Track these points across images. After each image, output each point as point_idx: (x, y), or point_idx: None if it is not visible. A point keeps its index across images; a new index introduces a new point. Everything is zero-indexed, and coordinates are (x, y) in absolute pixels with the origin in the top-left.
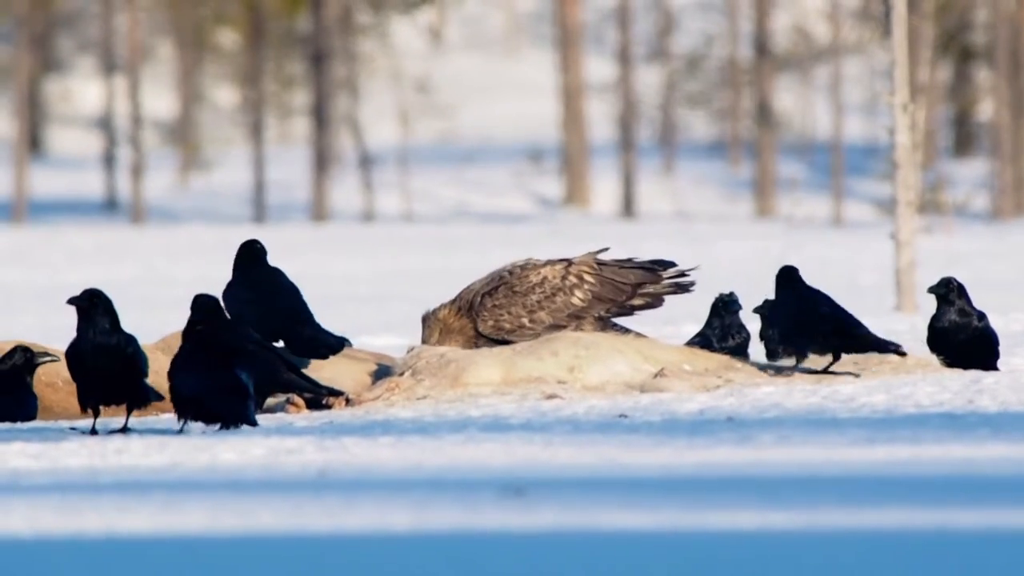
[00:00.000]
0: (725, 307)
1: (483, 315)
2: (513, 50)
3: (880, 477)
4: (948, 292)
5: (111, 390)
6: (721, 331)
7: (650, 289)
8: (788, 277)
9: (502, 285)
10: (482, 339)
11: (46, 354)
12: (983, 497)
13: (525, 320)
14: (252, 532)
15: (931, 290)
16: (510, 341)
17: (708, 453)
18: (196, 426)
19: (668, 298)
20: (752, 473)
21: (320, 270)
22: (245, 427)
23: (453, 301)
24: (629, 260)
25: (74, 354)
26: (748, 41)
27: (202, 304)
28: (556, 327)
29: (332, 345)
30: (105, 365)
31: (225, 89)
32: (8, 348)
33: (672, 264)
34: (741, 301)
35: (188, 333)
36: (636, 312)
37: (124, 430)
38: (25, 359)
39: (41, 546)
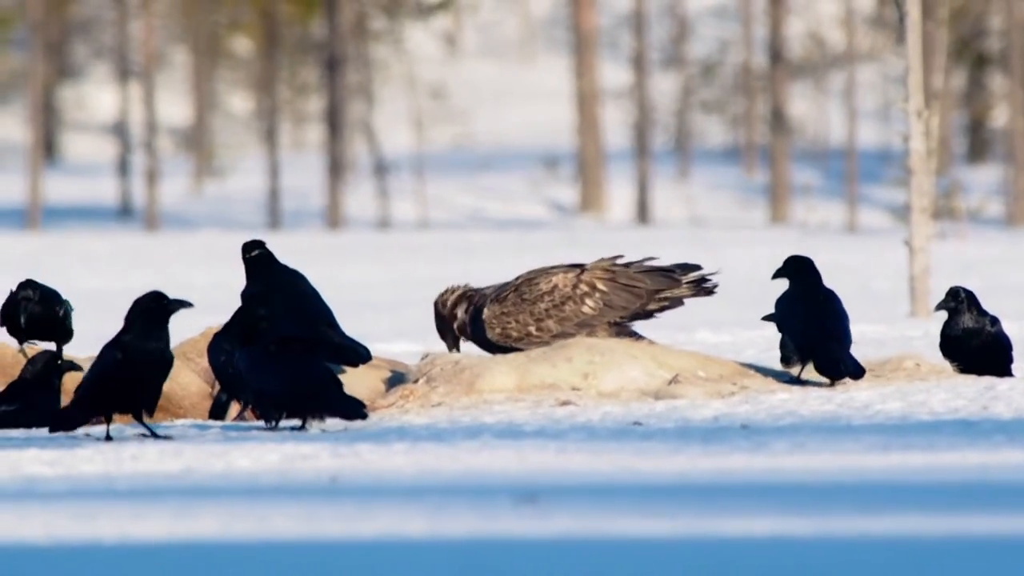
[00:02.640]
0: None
1: (491, 323)
2: (528, 56)
3: (895, 484)
4: (957, 304)
5: (137, 398)
6: None
7: (668, 294)
8: (799, 269)
9: (512, 292)
10: (488, 344)
11: (72, 364)
12: (998, 503)
13: (532, 328)
14: (266, 538)
15: (938, 308)
16: (517, 348)
17: (723, 460)
18: (210, 432)
19: (687, 303)
20: (767, 480)
21: (335, 277)
22: (255, 432)
23: (464, 294)
24: (651, 260)
25: (128, 361)
26: (763, 48)
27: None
28: (564, 335)
29: (361, 354)
30: (153, 374)
31: (239, 95)
32: (28, 354)
33: (696, 267)
34: (754, 307)
35: (251, 334)
36: (655, 316)
37: (152, 435)
38: (45, 365)
39: (56, 552)
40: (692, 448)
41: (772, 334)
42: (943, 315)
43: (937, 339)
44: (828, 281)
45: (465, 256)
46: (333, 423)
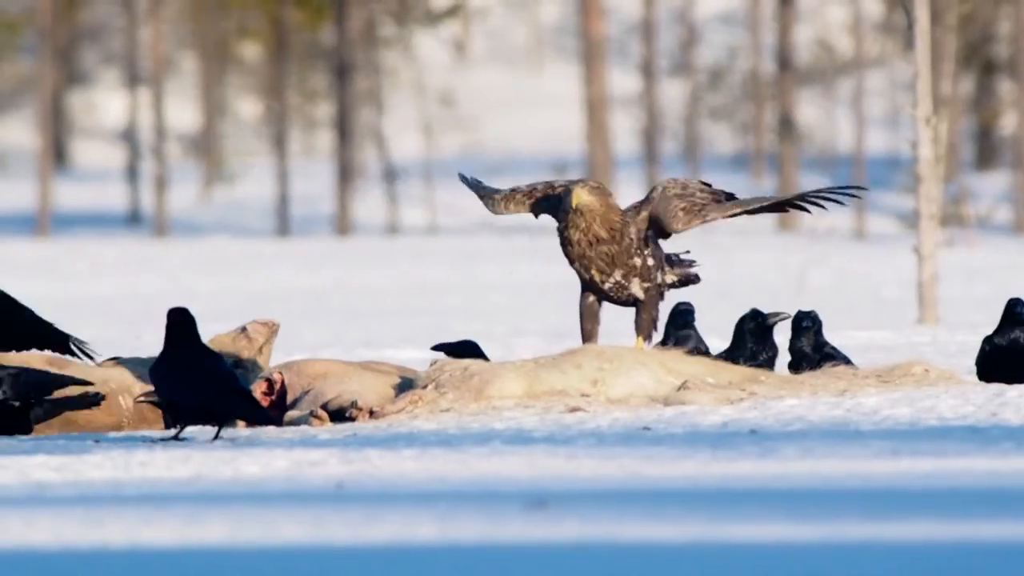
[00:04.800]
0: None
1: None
2: (537, 63)
3: (903, 490)
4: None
5: None
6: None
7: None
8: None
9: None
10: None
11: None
12: (1007, 510)
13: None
14: (275, 544)
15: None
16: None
17: (731, 466)
18: (218, 438)
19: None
20: (775, 486)
21: (344, 283)
22: (263, 438)
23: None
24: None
25: None
26: (771, 54)
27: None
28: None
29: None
30: None
31: (249, 101)
32: (33, 360)
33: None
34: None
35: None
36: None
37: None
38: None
39: (65, 558)
40: (701, 454)
41: (782, 340)
42: (952, 323)
43: (945, 346)
44: (836, 288)
45: (474, 262)
46: (341, 427)
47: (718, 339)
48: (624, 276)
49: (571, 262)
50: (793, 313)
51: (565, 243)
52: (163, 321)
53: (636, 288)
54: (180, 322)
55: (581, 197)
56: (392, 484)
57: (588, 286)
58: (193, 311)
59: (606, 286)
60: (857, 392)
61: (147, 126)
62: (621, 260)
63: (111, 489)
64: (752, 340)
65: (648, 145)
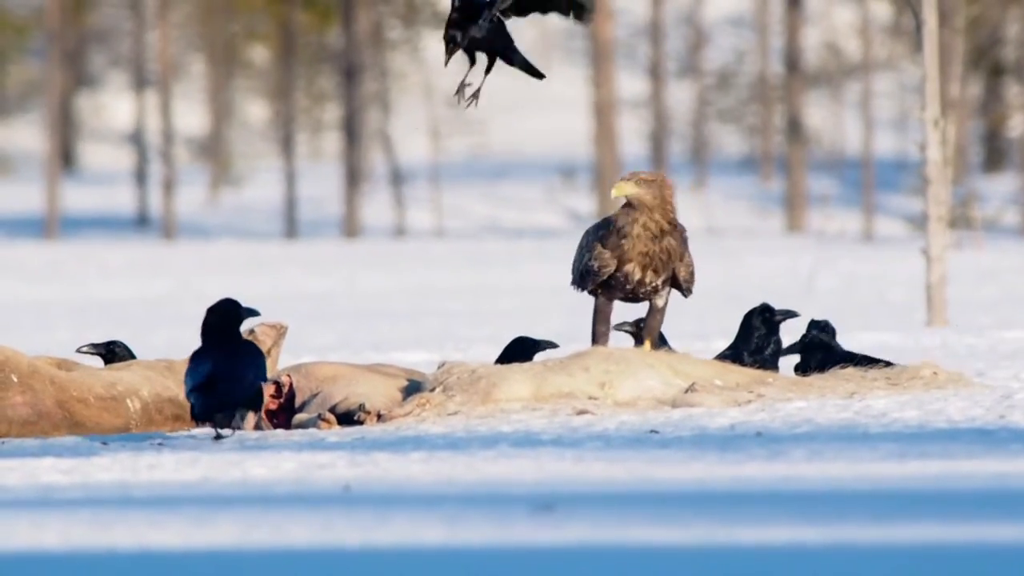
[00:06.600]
0: (822, 331)
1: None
2: (545, 66)
3: (911, 492)
4: None
5: None
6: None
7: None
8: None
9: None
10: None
11: None
12: (1015, 512)
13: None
14: (283, 547)
15: None
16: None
17: (739, 468)
18: (226, 440)
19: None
20: (783, 488)
21: (351, 286)
22: (272, 441)
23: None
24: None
25: None
26: (779, 57)
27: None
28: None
29: None
30: None
31: (256, 104)
32: (41, 363)
33: None
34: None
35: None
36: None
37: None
38: None
39: (73, 561)
40: (709, 456)
41: (786, 340)
42: (960, 323)
43: (954, 348)
44: (844, 290)
45: (481, 265)
46: (349, 430)
47: (726, 341)
48: (663, 282)
49: (620, 267)
50: (801, 312)
51: (622, 240)
52: (169, 324)
53: (663, 297)
54: (207, 319)
55: (623, 189)
56: (400, 487)
57: (621, 288)
58: (200, 314)
59: (650, 286)
60: (865, 394)
61: (155, 129)
62: (676, 256)
63: (119, 491)
64: (758, 334)
65: (656, 148)
